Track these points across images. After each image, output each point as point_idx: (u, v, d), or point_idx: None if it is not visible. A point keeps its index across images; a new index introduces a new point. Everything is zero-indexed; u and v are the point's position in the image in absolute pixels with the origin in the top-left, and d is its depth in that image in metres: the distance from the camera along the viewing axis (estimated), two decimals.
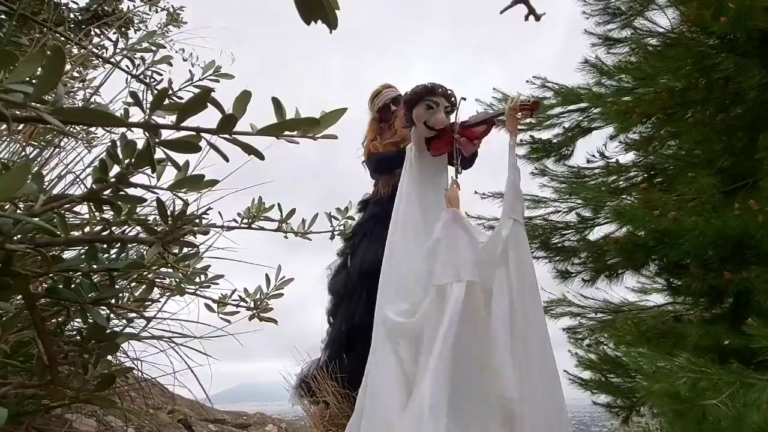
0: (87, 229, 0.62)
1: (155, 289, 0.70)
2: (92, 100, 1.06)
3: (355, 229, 2.55)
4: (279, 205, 0.82)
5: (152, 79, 1.05)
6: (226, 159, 0.48)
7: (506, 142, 2.13)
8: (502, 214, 1.96)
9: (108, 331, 0.62)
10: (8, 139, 0.90)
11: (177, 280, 0.70)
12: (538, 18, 1.31)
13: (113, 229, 0.61)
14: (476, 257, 1.91)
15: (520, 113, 2.06)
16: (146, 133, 0.47)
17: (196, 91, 0.68)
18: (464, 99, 2.19)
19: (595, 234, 4.22)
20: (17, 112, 0.42)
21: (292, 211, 0.84)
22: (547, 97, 4.43)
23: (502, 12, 1.33)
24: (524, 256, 1.89)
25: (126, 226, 0.64)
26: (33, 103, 0.40)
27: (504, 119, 2.09)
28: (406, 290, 1.96)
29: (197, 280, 0.72)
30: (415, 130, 2.19)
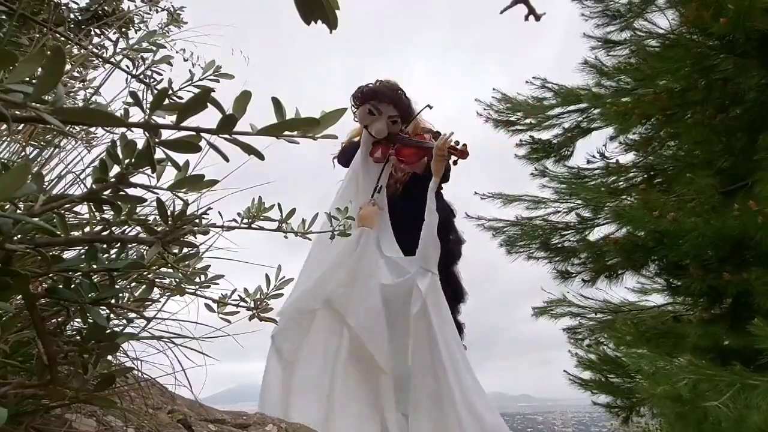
0: (87, 229, 0.62)
1: (155, 289, 0.70)
2: (92, 100, 1.06)
3: None
4: (279, 205, 0.82)
5: (152, 79, 1.05)
6: (226, 159, 0.48)
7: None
8: (415, 263, 1.92)
9: (108, 331, 0.62)
10: (8, 139, 0.90)
11: (177, 280, 0.70)
12: (538, 18, 1.31)
13: (113, 229, 0.61)
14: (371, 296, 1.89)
15: (447, 154, 1.91)
16: (146, 133, 0.47)
17: (196, 91, 0.68)
18: (430, 107, 2.06)
19: (595, 234, 4.22)
20: (17, 112, 0.43)
21: (292, 211, 0.84)
22: (546, 98, 4.43)
23: (501, 12, 1.33)
24: (443, 311, 1.90)
25: (126, 226, 0.64)
26: (33, 103, 0.40)
27: (439, 153, 1.92)
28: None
29: (197, 280, 0.72)
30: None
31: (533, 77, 4.48)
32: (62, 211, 0.59)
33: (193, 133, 0.46)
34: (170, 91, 0.89)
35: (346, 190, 2.09)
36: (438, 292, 1.92)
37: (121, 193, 0.53)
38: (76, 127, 0.98)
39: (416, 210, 2.00)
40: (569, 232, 4.32)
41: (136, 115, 0.50)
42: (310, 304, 1.88)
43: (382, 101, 2.00)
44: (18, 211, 0.56)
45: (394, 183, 2.22)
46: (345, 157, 2.29)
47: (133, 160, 0.51)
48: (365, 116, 2.03)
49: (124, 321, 0.74)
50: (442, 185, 2.16)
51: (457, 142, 1.93)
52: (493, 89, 4.58)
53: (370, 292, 1.92)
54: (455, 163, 1.95)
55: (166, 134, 0.47)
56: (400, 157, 2.08)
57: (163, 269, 0.66)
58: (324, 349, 1.86)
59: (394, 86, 2.09)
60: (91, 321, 0.57)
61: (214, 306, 0.81)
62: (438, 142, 1.92)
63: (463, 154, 1.92)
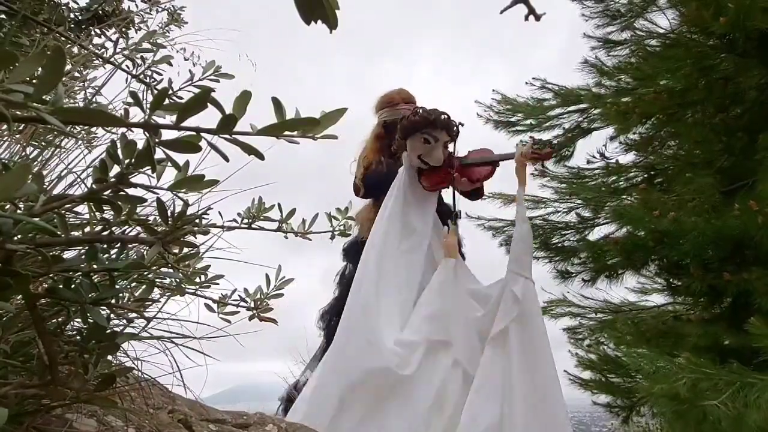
0: (87, 229, 0.62)
1: (155, 289, 0.70)
2: (93, 100, 1.06)
3: (349, 246, 2.40)
4: (279, 205, 0.82)
5: (152, 79, 1.05)
6: (226, 159, 0.48)
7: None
8: (508, 270, 1.82)
9: (108, 331, 0.62)
10: (8, 139, 0.90)
11: (177, 280, 0.70)
12: (538, 18, 1.31)
13: (113, 229, 0.61)
14: (470, 323, 1.80)
15: (530, 161, 1.88)
16: (146, 133, 0.47)
17: (196, 91, 0.68)
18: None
19: (595, 234, 4.22)
20: (17, 112, 0.43)
21: (292, 211, 0.84)
22: (547, 99, 4.43)
23: (502, 12, 1.33)
24: (536, 317, 1.79)
25: (126, 226, 0.64)
26: (33, 103, 0.40)
27: (512, 162, 1.89)
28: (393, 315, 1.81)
29: (197, 280, 0.73)
30: (407, 156, 2.00)
31: (533, 78, 4.48)
32: (62, 211, 0.59)
33: (193, 133, 0.46)
34: (170, 91, 0.89)
35: (393, 223, 1.95)
36: (534, 297, 1.81)
37: (121, 193, 0.53)
38: (76, 127, 0.98)
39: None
40: (569, 231, 4.32)
41: (137, 115, 0.50)
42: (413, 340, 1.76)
43: (435, 127, 1.93)
44: (18, 211, 0.56)
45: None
46: (374, 190, 2.15)
47: (133, 160, 0.51)
48: (420, 146, 1.94)
49: (125, 321, 0.74)
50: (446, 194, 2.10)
51: (538, 146, 1.88)
52: (493, 90, 4.58)
53: (468, 326, 1.81)
54: (543, 165, 1.97)
55: (167, 134, 0.47)
56: (472, 179, 1.99)
57: (164, 269, 0.66)
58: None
59: (438, 111, 2.00)
60: (91, 321, 0.57)
61: (214, 306, 0.81)
62: (521, 150, 1.90)
63: (548, 155, 1.90)
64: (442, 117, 1.94)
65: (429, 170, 2.01)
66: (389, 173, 2.11)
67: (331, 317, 2.46)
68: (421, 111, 1.97)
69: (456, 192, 2.00)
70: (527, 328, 1.77)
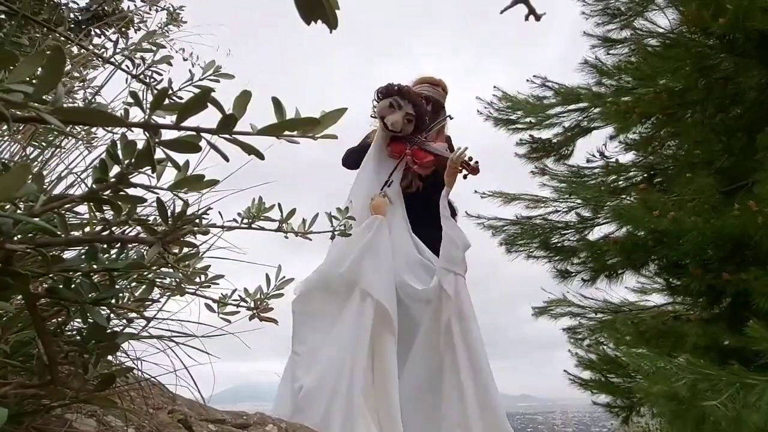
0: (87, 229, 0.62)
1: (155, 289, 0.70)
2: (93, 100, 1.06)
3: None
4: (279, 205, 0.82)
5: (152, 79, 1.05)
6: (227, 159, 0.48)
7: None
8: (438, 267, 1.96)
9: (108, 331, 0.62)
10: (8, 140, 0.90)
11: (177, 280, 0.70)
12: (538, 18, 1.31)
13: (113, 229, 0.61)
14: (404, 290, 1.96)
15: (460, 167, 2.02)
16: (146, 133, 0.47)
17: (196, 91, 0.68)
18: (451, 118, 2.21)
19: (595, 234, 4.23)
20: (17, 112, 0.43)
21: (293, 211, 0.84)
22: (547, 97, 4.43)
23: (501, 12, 1.33)
24: (468, 313, 1.91)
25: (126, 226, 0.64)
26: (33, 103, 0.40)
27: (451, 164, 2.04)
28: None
29: (197, 280, 0.72)
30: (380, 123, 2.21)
31: (534, 76, 4.48)
32: (62, 211, 0.59)
33: (193, 133, 0.46)
34: (170, 91, 0.89)
35: (359, 180, 2.17)
36: (465, 293, 1.93)
37: (121, 193, 0.53)
38: (76, 127, 0.98)
39: (431, 210, 2.09)
40: (569, 231, 4.32)
41: (137, 115, 0.50)
42: (328, 281, 1.96)
43: (404, 98, 2.13)
44: (18, 211, 0.56)
45: (409, 182, 2.28)
46: (353, 158, 2.35)
47: (133, 160, 0.51)
48: (384, 108, 2.15)
49: (125, 321, 0.74)
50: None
51: (470, 158, 2.03)
52: (494, 87, 4.58)
53: (388, 270, 1.96)
54: (465, 177, 2.07)
55: (167, 134, 0.47)
56: (415, 158, 2.17)
57: (164, 269, 0.66)
58: (350, 321, 1.88)
59: (421, 94, 2.22)
60: (91, 321, 0.57)
61: (215, 306, 0.81)
62: (453, 155, 2.03)
63: (474, 170, 2.03)
64: (413, 93, 2.15)
65: (397, 140, 2.20)
66: (362, 147, 2.35)
67: None
68: (396, 83, 2.19)
69: (396, 166, 2.19)
70: (464, 323, 1.89)
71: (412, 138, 2.18)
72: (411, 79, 2.52)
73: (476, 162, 2.02)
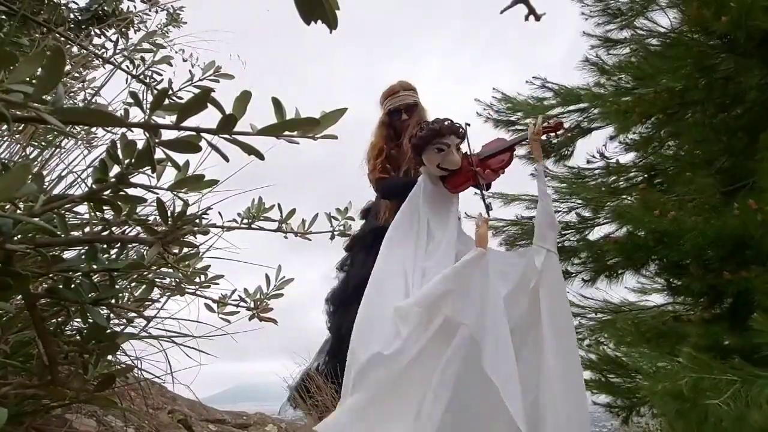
0: (87, 229, 0.62)
1: (155, 289, 0.70)
2: (93, 100, 1.06)
3: (356, 240, 2.52)
4: (279, 205, 0.82)
5: (152, 80, 1.05)
6: (226, 159, 0.48)
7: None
8: (534, 243, 1.87)
9: (108, 331, 0.62)
10: (8, 139, 0.90)
11: (177, 280, 0.70)
12: (538, 18, 1.31)
13: (113, 229, 0.61)
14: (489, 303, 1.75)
15: (544, 135, 1.98)
16: (146, 133, 0.47)
17: (196, 91, 0.68)
18: (468, 125, 2.07)
19: (595, 234, 4.22)
20: (17, 112, 0.43)
21: (292, 212, 0.84)
22: (547, 98, 4.43)
23: (501, 12, 1.33)
24: (558, 290, 1.82)
25: (126, 226, 0.64)
26: (33, 103, 0.40)
27: (526, 144, 2.01)
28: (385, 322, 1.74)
29: (197, 280, 0.72)
30: (425, 170, 2.06)
31: (533, 77, 4.48)
32: (62, 211, 0.59)
33: (193, 133, 0.46)
34: (170, 92, 0.89)
35: (409, 230, 1.97)
36: (555, 269, 1.84)
37: (121, 193, 0.53)
38: (76, 128, 0.98)
39: None
40: (569, 231, 4.32)
41: (137, 115, 0.50)
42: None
43: (444, 135, 2.01)
44: (18, 211, 0.56)
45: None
46: (393, 191, 2.29)
47: (133, 160, 0.51)
48: (435, 156, 2.01)
49: (124, 321, 0.74)
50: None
51: (548, 122, 2.00)
52: (494, 89, 4.58)
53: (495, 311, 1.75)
54: (557, 137, 2.06)
55: (167, 134, 0.47)
56: (494, 168, 2.07)
57: (163, 269, 0.66)
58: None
59: (440, 120, 2.07)
60: (91, 321, 0.57)
61: (214, 306, 0.81)
62: (531, 131, 2.00)
63: (558, 125, 1.99)
64: (446, 123, 2.01)
65: (450, 175, 2.07)
66: (408, 183, 2.19)
67: (333, 305, 2.54)
68: (425, 125, 2.04)
69: (482, 187, 2.06)
70: (547, 299, 1.78)
71: (464, 162, 2.05)
72: (381, 94, 2.51)
73: (554, 120, 2.00)
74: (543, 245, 1.85)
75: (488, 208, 2.00)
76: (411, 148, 2.08)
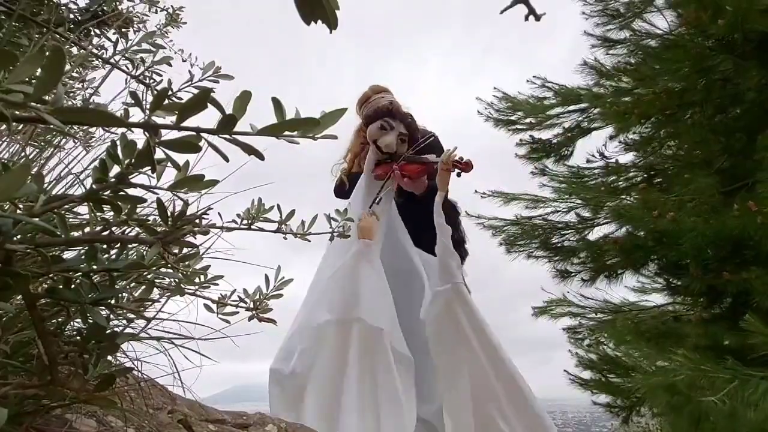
0: (87, 229, 0.62)
1: (155, 289, 0.70)
2: (92, 100, 1.06)
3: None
4: (278, 206, 0.82)
5: (152, 80, 1.05)
6: (226, 159, 0.48)
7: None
8: (439, 279, 1.93)
9: (108, 331, 0.62)
10: (8, 139, 0.90)
11: (177, 280, 0.70)
12: (538, 18, 1.32)
13: (113, 229, 0.61)
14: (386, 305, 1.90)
15: (454, 169, 1.98)
16: (146, 133, 0.47)
17: (196, 91, 0.68)
18: (434, 135, 2.12)
19: (595, 234, 4.23)
20: (17, 112, 0.43)
21: (292, 212, 0.84)
22: (547, 97, 4.44)
23: (502, 12, 1.34)
24: (474, 316, 1.90)
25: (126, 226, 0.64)
26: (33, 103, 0.40)
27: (438, 169, 1.99)
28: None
29: (197, 280, 0.72)
30: (369, 148, 2.12)
31: (534, 76, 4.49)
32: (62, 212, 0.59)
33: (193, 133, 0.46)
34: (170, 92, 0.89)
35: (350, 208, 2.15)
36: (465, 300, 1.91)
37: (121, 193, 0.53)
38: (76, 127, 0.98)
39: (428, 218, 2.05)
40: (569, 231, 4.33)
41: (136, 115, 0.50)
42: (315, 320, 1.89)
43: (395, 118, 2.06)
44: (18, 211, 0.56)
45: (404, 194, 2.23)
46: (343, 188, 2.30)
47: (133, 160, 0.51)
48: (377, 131, 2.07)
49: (124, 321, 0.74)
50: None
51: (460, 157, 2.00)
52: (494, 88, 4.59)
53: (382, 300, 1.91)
54: (459, 175, 2.03)
55: (167, 134, 0.47)
56: (403, 172, 2.11)
57: (163, 269, 0.66)
58: (333, 357, 1.83)
59: (407, 110, 2.15)
60: (91, 321, 0.57)
61: (214, 306, 0.81)
62: (443, 156, 1.99)
63: (466, 167, 1.99)
64: (402, 111, 2.08)
65: (382, 162, 2.14)
66: (343, 182, 2.28)
67: None
68: (387, 102, 2.11)
69: (390, 184, 2.12)
70: (467, 324, 1.88)
71: (398, 156, 2.12)
72: (361, 92, 2.45)
73: (468, 159, 1.99)
74: (450, 280, 1.90)
75: (375, 202, 2.07)
76: (363, 118, 2.13)
